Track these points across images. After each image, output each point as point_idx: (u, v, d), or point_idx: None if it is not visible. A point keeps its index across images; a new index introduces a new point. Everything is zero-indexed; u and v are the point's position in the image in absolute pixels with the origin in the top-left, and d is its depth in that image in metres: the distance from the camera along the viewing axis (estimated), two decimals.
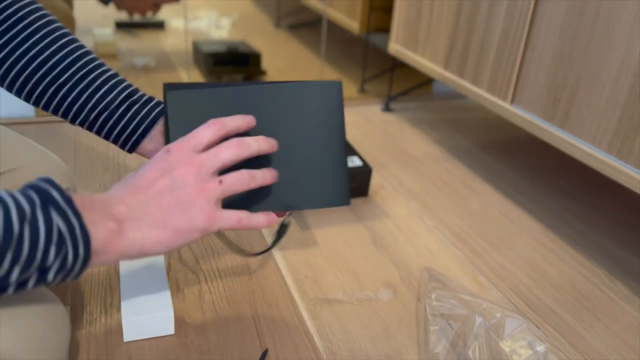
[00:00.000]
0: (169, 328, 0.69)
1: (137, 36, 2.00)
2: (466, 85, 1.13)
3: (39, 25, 0.59)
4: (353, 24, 1.56)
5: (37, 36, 0.59)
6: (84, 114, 0.61)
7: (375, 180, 1.11)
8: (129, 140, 0.62)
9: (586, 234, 0.99)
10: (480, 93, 1.08)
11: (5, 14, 0.58)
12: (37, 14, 0.60)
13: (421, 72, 1.30)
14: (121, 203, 0.48)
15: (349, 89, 1.65)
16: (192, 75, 1.65)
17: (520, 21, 0.96)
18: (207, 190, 0.50)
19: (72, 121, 0.62)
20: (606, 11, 0.80)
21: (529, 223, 1.01)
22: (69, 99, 0.60)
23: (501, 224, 1.00)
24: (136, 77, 1.60)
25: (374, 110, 1.50)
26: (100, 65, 0.62)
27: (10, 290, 0.41)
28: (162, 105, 0.61)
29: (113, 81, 0.61)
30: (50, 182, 0.43)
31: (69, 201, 0.43)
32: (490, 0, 1.03)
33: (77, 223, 0.43)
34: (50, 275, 0.42)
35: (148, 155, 0.63)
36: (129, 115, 0.61)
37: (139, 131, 0.61)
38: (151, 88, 1.53)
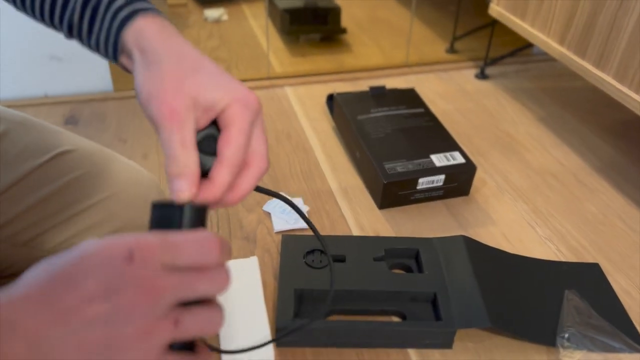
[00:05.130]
0: None
1: None
2: (587, 67, 0.98)
3: None
4: None
5: None
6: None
7: (476, 174, 1.01)
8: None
9: None
10: (605, 79, 0.94)
11: None
12: None
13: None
14: (21, 336, 0.31)
15: (437, 49, 1.51)
16: (270, 33, 1.55)
17: None
18: (155, 332, 0.33)
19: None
20: None
21: None
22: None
23: (622, 235, 0.89)
24: (207, 29, 1.52)
25: (467, 76, 1.37)
26: None
27: None
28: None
29: None
30: None
31: None
32: None
33: None
34: None
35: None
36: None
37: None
38: (223, 44, 1.46)
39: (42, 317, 0.31)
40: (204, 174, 0.41)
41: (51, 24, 0.50)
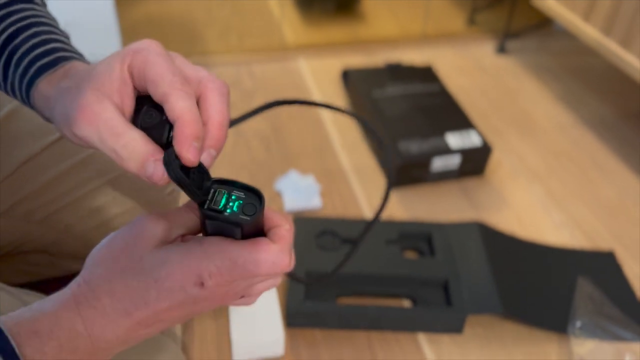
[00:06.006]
0: (278, 350, 0.66)
1: None
2: (611, 46, 0.95)
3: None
4: None
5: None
6: None
7: (491, 154, 0.99)
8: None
9: None
10: (630, 61, 0.91)
11: None
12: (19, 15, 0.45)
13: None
14: (111, 346, 0.36)
15: (455, 21, 1.46)
16: (284, 1, 1.52)
17: None
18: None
19: None
20: None
21: None
22: None
23: (638, 220, 0.87)
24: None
25: (486, 50, 1.33)
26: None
27: None
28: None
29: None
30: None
31: None
32: None
33: None
34: None
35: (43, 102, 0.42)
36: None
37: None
38: (235, 12, 1.43)
39: (126, 328, 0.35)
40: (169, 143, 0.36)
41: None
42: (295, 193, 0.87)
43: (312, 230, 0.76)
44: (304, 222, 0.78)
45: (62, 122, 0.38)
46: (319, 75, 1.19)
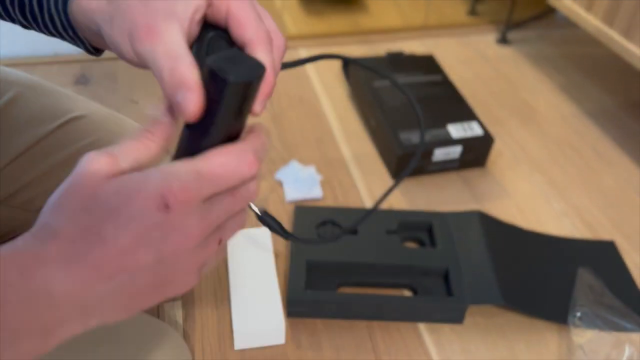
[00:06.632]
0: (279, 338, 0.66)
1: None
2: (614, 36, 0.95)
3: None
4: None
5: None
6: None
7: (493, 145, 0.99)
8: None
9: None
10: (633, 50, 0.91)
11: None
12: None
13: None
14: (66, 302, 0.29)
15: (457, 11, 1.46)
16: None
17: None
18: (201, 260, 0.33)
19: None
20: None
21: None
22: None
23: (639, 210, 0.87)
24: None
25: (488, 41, 1.33)
26: None
27: None
28: None
29: None
30: None
31: None
32: None
33: None
34: None
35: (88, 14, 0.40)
36: None
37: None
38: None
39: (81, 278, 0.30)
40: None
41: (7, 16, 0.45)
42: (296, 183, 0.87)
43: (313, 220, 0.76)
44: (304, 212, 0.78)
45: (120, 37, 0.36)
46: (320, 65, 1.18)
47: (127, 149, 0.32)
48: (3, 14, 0.45)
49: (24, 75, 0.63)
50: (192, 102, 0.32)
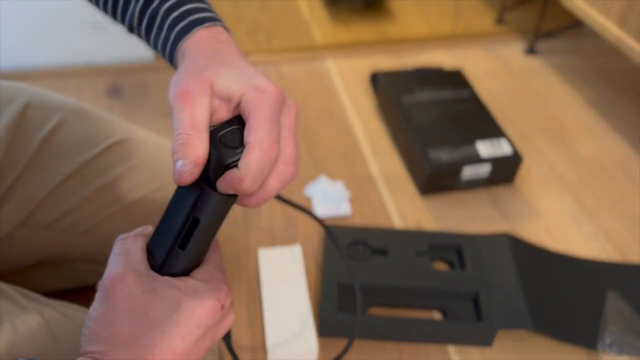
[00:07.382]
0: (312, 357, 0.68)
1: None
2: None
3: None
4: None
5: None
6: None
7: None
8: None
9: None
10: None
11: None
12: None
13: None
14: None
15: (485, 20, 1.45)
16: (313, 2, 1.51)
17: None
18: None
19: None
20: None
21: None
22: None
23: None
24: None
25: (515, 51, 1.32)
26: None
27: None
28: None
29: None
30: None
31: None
32: None
33: None
34: None
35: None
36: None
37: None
38: (263, 10, 1.43)
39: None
40: (227, 167, 0.37)
41: (114, 19, 0.51)
42: (325, 199, 0.88)
43: (343, 240, 0.78)
44: (334, 232, 0.79)
45: (170, 82, 0.40)
46: (347, 76, 1.19)
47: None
48: (111, 15, 0.50)
49: (69, 101, 0.65)
50: (190, 174, 0.37)
